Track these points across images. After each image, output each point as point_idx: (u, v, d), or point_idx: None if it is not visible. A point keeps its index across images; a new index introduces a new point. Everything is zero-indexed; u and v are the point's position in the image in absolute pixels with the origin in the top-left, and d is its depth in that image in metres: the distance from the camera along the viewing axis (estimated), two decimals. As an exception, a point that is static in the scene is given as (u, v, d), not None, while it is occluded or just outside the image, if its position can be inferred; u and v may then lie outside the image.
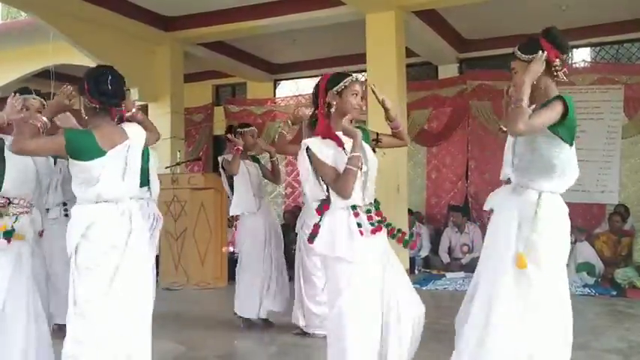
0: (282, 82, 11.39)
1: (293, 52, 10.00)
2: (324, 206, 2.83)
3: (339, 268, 2.75)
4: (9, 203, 3.09)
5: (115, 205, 2.79)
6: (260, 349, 4.47)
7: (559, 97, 2.61)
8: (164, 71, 8.44)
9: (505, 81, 9.26)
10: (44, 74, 8.77)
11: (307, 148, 2.79)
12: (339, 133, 2.85)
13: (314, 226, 2.83)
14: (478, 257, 9.26)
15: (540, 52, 2.63)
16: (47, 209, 4.64)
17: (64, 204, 4.75)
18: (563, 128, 2.59)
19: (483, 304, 2.70)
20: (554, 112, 2.56)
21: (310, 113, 3.20)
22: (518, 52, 2.72)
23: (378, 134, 3.09)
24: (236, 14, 7.83)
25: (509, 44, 9.10)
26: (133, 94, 7.49)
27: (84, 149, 2.74)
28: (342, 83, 2.84)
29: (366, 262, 2.76)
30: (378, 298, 2.78)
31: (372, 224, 2.80)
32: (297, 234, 4.87)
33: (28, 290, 3.10)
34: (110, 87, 2.78)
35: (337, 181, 2.76)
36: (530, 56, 2.66)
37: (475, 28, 8.88)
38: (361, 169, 2.77)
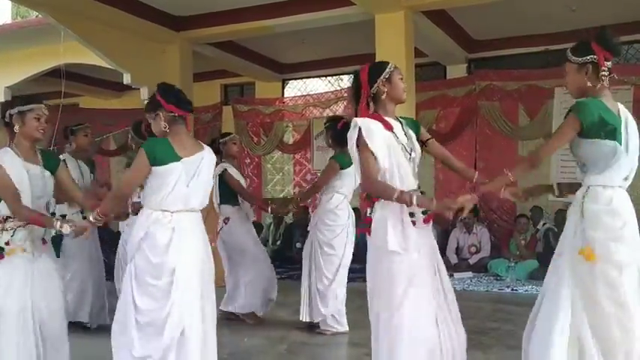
0: (291, 82, 11.40)
1: (301, 52, 10.01)
2: (373, 198, 2.82)
3: (392, 261, 2.74)
4: (6, 219, 3.09)
5: (170, 215, 2.91)
6: (270, 348, 4.49)
7: (571, 111, 2.66)
8: (174, 71, 8.45)
9: (514, 81, 9.32)
10: (55, 73, 8.80)
11: (359, 129, 2.77)
12: (389, 119, 2.87)
13: (366, 218, 2.82)
14: (485, 258, 9.28)
15: None
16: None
17: (82, 211, 4.83)
18: (589, 131, 2.64)
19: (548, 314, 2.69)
20: (566, 130, 2.66)
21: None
22: (569, 54, 2.75)
23: (429, 139, 3.09)
24: (245, 14, 7.85)
25: (518, 45, 9.26)
26: (143, 93, 7.54)
27: (161, 153, 2.90)
28: (387, 69, 2.87)
29: (419, 254, 2.76)
30: (431, 290, 2.78)
31: (424, 213, 2.80)
32: (308, 232, 4.95)
33: (22, 304, 3.09)
34: (180, 94, 3.04)
35: (376, 182, 2.75)
36: (581, 59, 2.69)
37: (484, 29, 8.87)
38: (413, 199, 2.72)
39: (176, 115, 2.99)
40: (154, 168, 2.89)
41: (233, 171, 5.25)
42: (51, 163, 3.27)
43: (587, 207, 2.64)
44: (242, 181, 5.38)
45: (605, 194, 2.66)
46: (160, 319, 2.88)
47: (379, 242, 2.76)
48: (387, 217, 2.74)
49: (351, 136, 2.80)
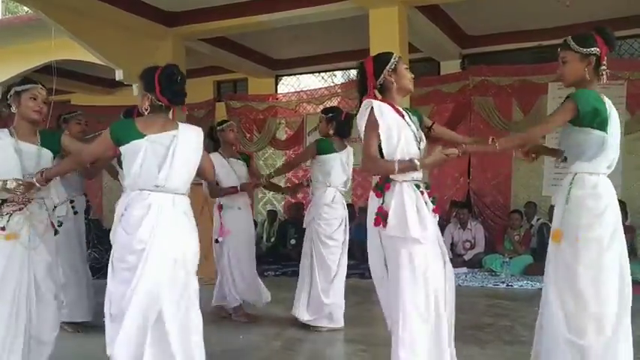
0: (284, 78, 11.37)
1: (295, 48, 9.98)
2: (386, 185, 2.78)
3: (410, 249, 2.69)
4: (1, 203, 3.04)
5: (147, 194, 2.80)
6: (265, 344, 4.47)
7: (569, 97, 2.73)
8: (166, 67, 8.42)
9: (508, 76, 9.29)
10: (46, 70, 8.74)
11: (371, 109, 2.75)
12: (399, 108, 2.87)
13: (379, 208, 2.77)
14: (480, 253, 9.27)
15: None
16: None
17: (71, 201, 4.74)
18: (583, 120, 2.71)
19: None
20: (562, 114, 2.74)
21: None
22: (573, 43, 2.77)
23: (433, 124, 3.11)
24: (238, 9, 7.81)
25: (511, 40, 9.25)
26: (135, 90, 7.49)
27: (123, 133, 2.84)
28: (392, 60, 2.86)
29: (433, 242, 2.76)
30: (441, 279, 2.77)
31: (432, 202, 2.82)
32: (304, 228, 4.94)
33: (16, 291, 3.03)
34: (178, 87, 2.92)
35: (376, 159, 2.70)
36: (587, 50, 2.72)
37: (478, 24, 8.87)
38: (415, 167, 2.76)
39: (163, 105, 2.90)
40: (120, 148, 2.85)
41: (215, 156, 5.17)
42: (50, 141, 3.30)
43: (573, 193, 2.74)
44: (243, 168, 5.48)
45: (591, 180, 2.76)
46: (126, 305, 2.71)
47: (397, 232, 2.70)
48: (404, 204, 2.70)
49: (362, 115, 2.77)
